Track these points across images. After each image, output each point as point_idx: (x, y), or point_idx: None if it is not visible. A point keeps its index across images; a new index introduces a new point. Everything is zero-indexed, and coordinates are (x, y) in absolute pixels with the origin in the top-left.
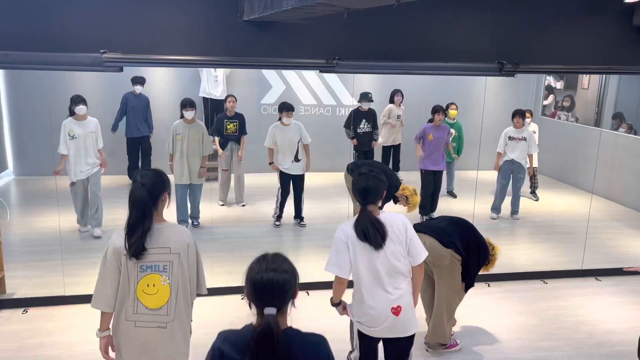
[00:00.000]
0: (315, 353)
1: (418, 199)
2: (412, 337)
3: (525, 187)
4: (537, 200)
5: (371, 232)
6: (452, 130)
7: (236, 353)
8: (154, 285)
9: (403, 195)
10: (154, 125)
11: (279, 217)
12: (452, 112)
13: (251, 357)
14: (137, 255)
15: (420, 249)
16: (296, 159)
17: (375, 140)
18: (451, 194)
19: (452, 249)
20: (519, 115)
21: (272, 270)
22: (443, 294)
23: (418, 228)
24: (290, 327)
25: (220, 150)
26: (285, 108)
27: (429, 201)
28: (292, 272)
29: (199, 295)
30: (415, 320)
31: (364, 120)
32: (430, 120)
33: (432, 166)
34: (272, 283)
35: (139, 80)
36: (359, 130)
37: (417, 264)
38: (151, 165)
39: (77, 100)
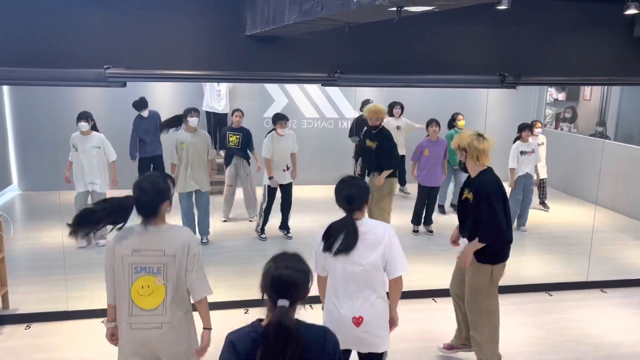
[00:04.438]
0: (322, 341)
1: None
2: (382, 355)
3: (535, 197)
4: (547, 210)
5: (338, 237)
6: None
7: (249, 344)
8: (148, 286)
9: None
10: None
11: (262, 228)
12: (460, 122)
13: (266, 345)
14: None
15: (397, 264)
16: (287, 167)
17: None
18: (455, 207)
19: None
20: (528, 128)
21: (291, 267)
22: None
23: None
24: (297, 320)
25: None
26: (279, 119)
27: (422, 212)
28: (307, 272)
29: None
30: (384, 338)
31: (365, 128)
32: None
33: (428, 182)
34: (289, 279)
35: (142, 106)
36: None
37: (392, 278)
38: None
39: (80, 116)
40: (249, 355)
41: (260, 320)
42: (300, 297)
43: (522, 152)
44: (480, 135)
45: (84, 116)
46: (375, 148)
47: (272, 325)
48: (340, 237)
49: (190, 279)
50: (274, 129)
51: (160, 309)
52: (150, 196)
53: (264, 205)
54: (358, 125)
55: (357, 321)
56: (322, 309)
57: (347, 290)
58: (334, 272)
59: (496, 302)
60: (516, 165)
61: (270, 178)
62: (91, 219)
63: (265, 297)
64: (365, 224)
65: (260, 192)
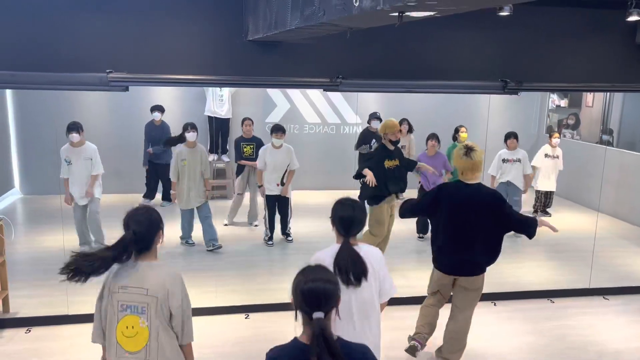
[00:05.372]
0: (364, 357)
1: None
2: None
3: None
4: (549, 215)
5: (351, 270)
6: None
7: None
8: (132, 327)
9: None
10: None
11: (270, 237)
12: (462, 135)
13: (317, 357)
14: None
15: (389, 288)
16: (282, 183)
17: None
18: None
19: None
20: (513, 137)
21: (320, 279)
22: (468, 312)
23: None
24: (338, 337)
25: (234, 177)
26: (275, 129)
27: (425, 220)
28: (336, 282)
29: (180, 345)
30: None
31: (374, 140)
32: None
33: (430, 186)
34: (321, 291)
35: (157, 108)
36: (359, 151)
37: (383, 302)
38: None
39: (70, 127)
40: None
41: (296, 338)
42: (333, 307)
43: (504, 160)
44: (468, 150)
45: (75, 127)
46: (400, 164)
47: (316, 338)
48: (351, 268)
49: (174, 322)
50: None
51: (144, 352)
52: (146, 228)
53: (266, 217)
54: (365, 137)
55: None
56: None
57: (351, 319)
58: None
59: (428, 296)
60: (495, 172)
61: (260, 186)
62: (91, 267)
63: (299, 312)
64: (363, 249)
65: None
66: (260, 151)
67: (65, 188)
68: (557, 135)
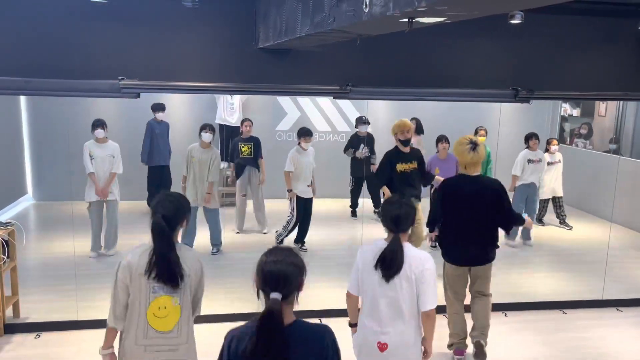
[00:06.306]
0: (320, 342)
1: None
2: None
3: (550, 213)
4: (570, 228)
5: (387, 262)
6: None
7: (242, 343)
8: (165, 307)
9: None
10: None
11: (281, 242)
12: (481, 138)
13: (255, 339)
14: (173, 284)
15: (428, 297)
16: (310, 183)
17: (374, 165)
18: None
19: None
20: (535, 137)
21: (281, 262)
22: (487, 290)
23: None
24: (297, 319)
25: (231, 177)
26: (304, 133)
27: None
28: (299, 265)
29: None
30: None
31: (362, 145)
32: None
33: None
34: (279, 273)
35: (159, 108)
36: (356, 155)
37: (423, 310)
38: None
39: (96, 124)
40: (245, 352)
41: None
42: (294, 290)
43: (529, 161)
44: (475, 145)
45: (100, 124)
46: (418, 169)
47: (262, 319)
48: (392, 261)
49: (196, 298)
50: (299, 143)
51: (176, 330)
52: (173, 213)
53: (292, 221)
54: (351, 142)
55: (382, 347)
56: (349, 325)
57: (377, 314)
58: (369, 294)
59: (449, 298)
60: (520, 172)
61: (289, 191)
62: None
63: (261, 292)
64: (411, 251)
65: (275, 206)
66: (290, 155)
67: (95, 182)
68: (555, 142)
